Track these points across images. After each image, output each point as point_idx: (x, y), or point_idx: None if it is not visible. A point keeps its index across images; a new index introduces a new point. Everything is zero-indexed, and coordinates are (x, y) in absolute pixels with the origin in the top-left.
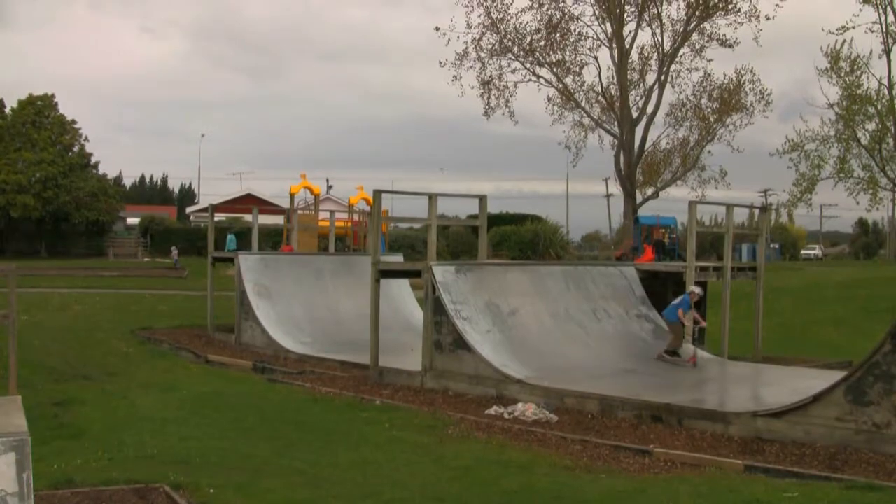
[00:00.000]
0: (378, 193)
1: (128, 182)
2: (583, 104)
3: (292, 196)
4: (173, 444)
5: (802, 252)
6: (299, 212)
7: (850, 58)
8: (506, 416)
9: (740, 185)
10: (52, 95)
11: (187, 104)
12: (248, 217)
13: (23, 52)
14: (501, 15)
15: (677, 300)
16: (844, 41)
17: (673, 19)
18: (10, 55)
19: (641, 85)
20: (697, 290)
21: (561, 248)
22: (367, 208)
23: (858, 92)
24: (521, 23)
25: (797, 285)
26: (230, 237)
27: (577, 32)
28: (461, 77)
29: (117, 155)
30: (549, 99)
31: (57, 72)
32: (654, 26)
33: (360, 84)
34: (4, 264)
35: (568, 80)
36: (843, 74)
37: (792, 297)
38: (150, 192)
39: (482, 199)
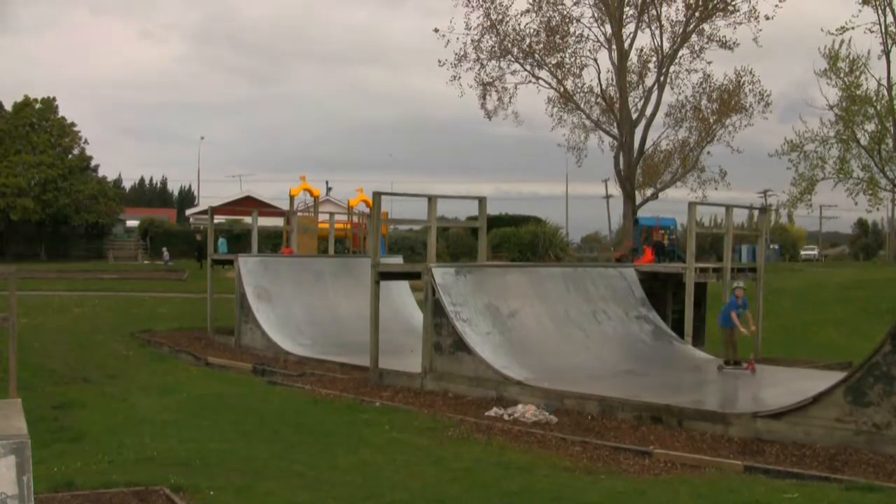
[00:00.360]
0: (377, 195)
1: (127, 185)
2: (582, 106)
3: (292, 198)
4: (173, 446)
5: (803, 253)
6: (299, 214)
7: (848, 58)
8: (506, 417)
9: (740, 185)
10: (53, 98)
11: (187, 107)
12: (247, 219)
13: (24, 55)
14: (500, 16)
15: (726, 305)
16: (843, 42)
17: (672, 21)
18: (11, 58)
19: (641, 86)
20: (740, 284)
21: (560, 249)
22: (367, 210)
23: (858, 93)
24: (520, 25)
25: (797, 286)
26: (220, 241)
27: (577, 34)
28: (460, 77)
29: (117, 157)
30: (549, 100)
31: (58, 75)
32: (653, 28)
33: (360, 86)
34: (4, 267)
35: (567, 83)
36: (842, 75)
37: (792, 298)
38: (150, 195)
39: (482, 200)
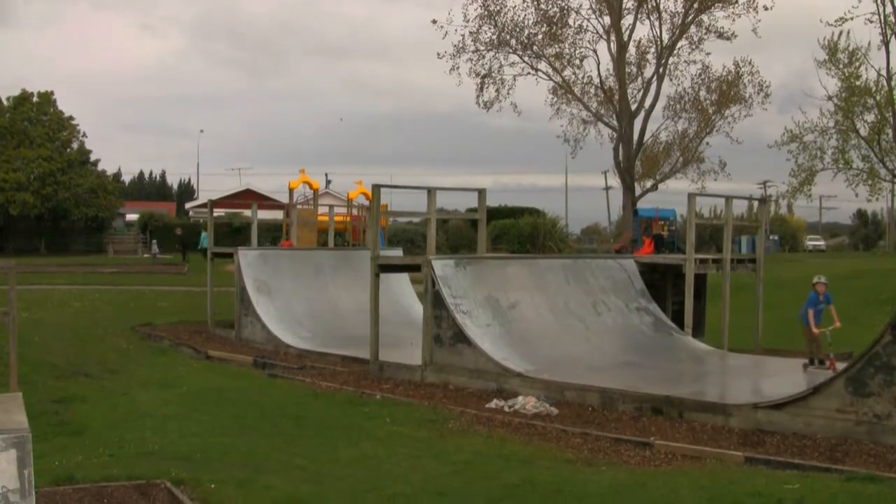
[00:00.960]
0: (377, 188)
1: (126, 178)
2: (581, 97)
3: (291, 191)
4: (174, 440)
5: (809, 243)
6: (298, 207)
7: (847, 49)
8: (506, 409)
9: (740, 176)
10: (51, 93)
11: (186, 100)
12: (247, 212)
13: (24, 50)
14: (498, 7)
15: (806, 301)
16: (841, 32)
17: (671, 12)
18: (11, 54)
19: (640, 78)
20: (822, 279)
21: (560, 241)
22: (366, 203)
23: (857, 83)
24: (518, 17)
25: (797, 277)
26: (203, 235)
27: (576, 25)
28: (458, 67)
29: (116, 152)
30: (552, 91)
31: (58, 70)
32: (652, 19)
33: (359, 79)
34: (4, 261)
35: (567, 74)
36: (841, 66)
37: (791, 289)
38: (149, 188)
39: (481, 192)
